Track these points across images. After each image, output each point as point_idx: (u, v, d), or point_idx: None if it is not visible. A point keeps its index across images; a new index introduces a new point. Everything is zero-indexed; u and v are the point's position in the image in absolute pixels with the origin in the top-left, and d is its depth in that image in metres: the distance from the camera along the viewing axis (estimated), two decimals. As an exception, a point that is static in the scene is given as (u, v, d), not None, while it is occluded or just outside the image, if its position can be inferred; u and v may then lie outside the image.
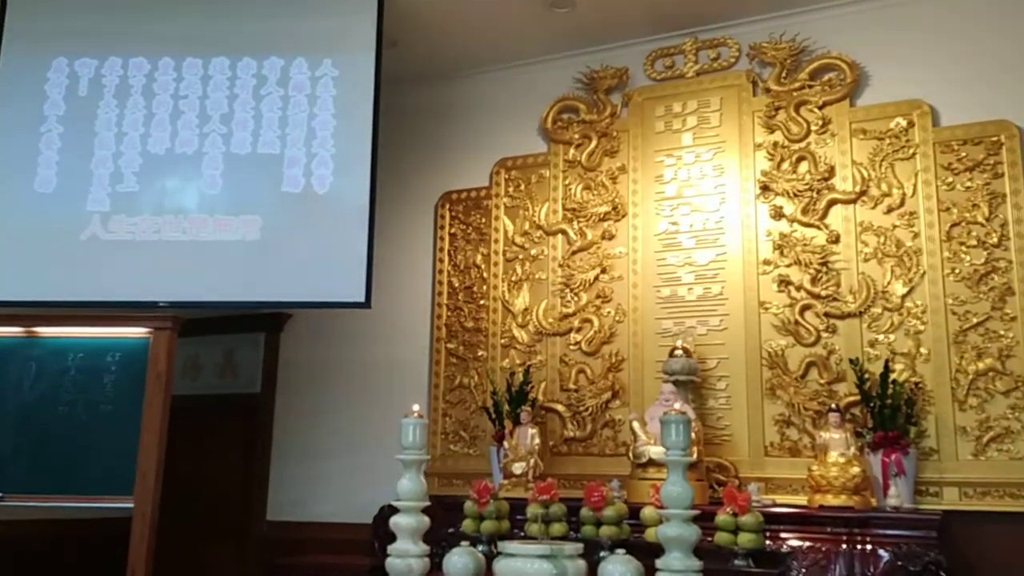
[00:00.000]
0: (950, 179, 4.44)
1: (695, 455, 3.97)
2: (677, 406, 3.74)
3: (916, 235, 4.46)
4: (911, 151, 4.54)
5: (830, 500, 4.04)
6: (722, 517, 3.61)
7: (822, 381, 4.48)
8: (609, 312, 5.02)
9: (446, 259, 5.53)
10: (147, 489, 4.09)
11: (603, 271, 5.07)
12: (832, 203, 4.63)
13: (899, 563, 3.78)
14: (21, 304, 4.50)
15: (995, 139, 4.39)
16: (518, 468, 4.54)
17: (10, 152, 4.71)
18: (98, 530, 4.63)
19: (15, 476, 4.23)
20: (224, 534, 5.74)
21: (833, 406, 4.28)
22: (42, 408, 4.30)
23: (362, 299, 4.55)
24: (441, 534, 4.16)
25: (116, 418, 4.25)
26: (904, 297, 4.42)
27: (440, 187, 5.63)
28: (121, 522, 4.15)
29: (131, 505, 4.08)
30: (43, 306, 4.52)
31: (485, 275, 5.39)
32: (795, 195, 4.69)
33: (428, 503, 3.38)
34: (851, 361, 4.37)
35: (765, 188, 4.77)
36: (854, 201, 4.59)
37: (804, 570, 3.88)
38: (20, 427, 4.28)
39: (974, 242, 4.35)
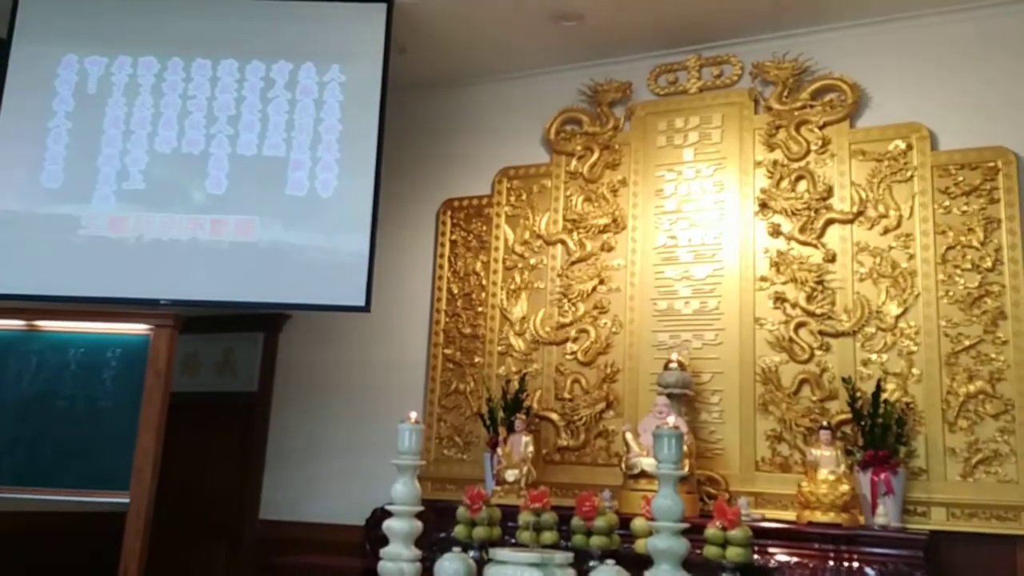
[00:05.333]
0: (947, 203, 4.49)
1: (687, 468, 4.01)
2: (670, 419, 3.77)
3: (911, 257, 4.50)
4: (909, 174, 4.59)
5: (819, 516, 4.08)
6: (711, 531, 3.63)
7: (814, 398, 4.52)
8: (606, 323, 5.05)
9: (446, 265, 5.56)
10: (143, 485, 4.13)
11: (601, 282, 5.10)
12: (829, 222, 4.68)
13: (885, 581, 3.82)
14: (23, 298, 4.54)
15: (992, 165, 4.44)
16: (511, 475, 4.57)
17: (18, 146, 4.73)
18: (92, 525, 4.65)
19: (11, 468, 4.27)
20: (217, 532, 5.77)
21: (824, 423, 4.33)
22: (41, 401, 4.34)
23: (362, 303, 4.59)
24: (433, 539, 4.19)
25: (114, 413, 4.29)
26: (898, 318, 4.46)
27: (442, 194, 5.66)
28: (116, 517, 4.19)
29: (127, 500, 4.12)
30: (45, 300, 4.55)
31: (484, 282, 5.43)
32: (793, 213, 4.74)
33: (421, 508, 3.41)
34: (844, 379, 4.41)
35: (764, 205, 4.81)
36: (851, 221, 4.64)
37: (791, 585, 3.92)
38: (18, 420, 4.32)
39: (968, 265, 4.40)
